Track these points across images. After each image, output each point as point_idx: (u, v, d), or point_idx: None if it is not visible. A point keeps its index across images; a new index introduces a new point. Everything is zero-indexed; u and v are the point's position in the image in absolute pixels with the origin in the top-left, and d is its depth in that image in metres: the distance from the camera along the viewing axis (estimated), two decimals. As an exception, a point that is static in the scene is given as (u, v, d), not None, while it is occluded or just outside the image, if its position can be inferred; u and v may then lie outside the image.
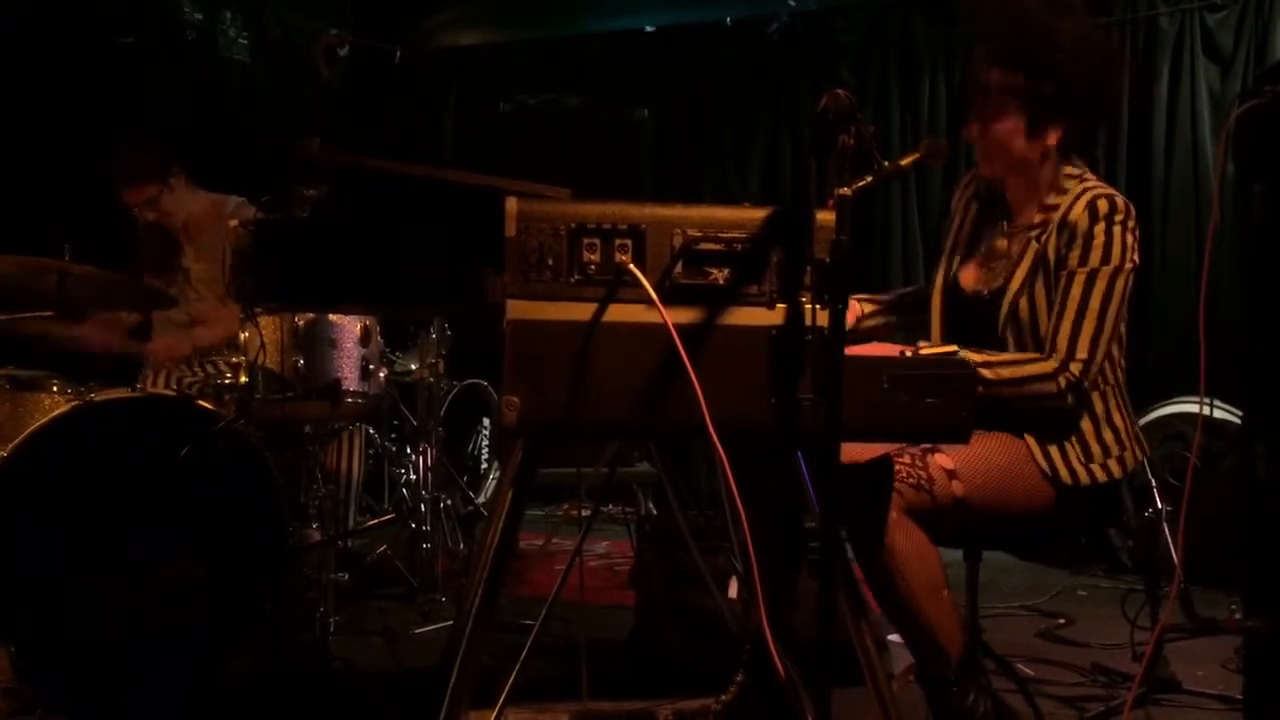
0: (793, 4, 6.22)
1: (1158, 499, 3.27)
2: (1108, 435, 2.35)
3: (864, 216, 6.01)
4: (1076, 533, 2.40)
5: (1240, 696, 2.64)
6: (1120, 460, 2.35)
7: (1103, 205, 2.31)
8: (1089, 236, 2.29)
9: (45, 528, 2.87)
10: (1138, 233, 2.35)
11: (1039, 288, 2.35)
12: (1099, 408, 2.35)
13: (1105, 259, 2.29)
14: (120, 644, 2.90)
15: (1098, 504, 2.39)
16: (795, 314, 1.73)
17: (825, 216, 1.72)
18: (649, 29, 6.71)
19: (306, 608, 3.44)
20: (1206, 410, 2.47)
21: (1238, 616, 3.08)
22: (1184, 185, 5.48)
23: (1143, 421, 4.54)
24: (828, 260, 1.70)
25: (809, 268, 1.73)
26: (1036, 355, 2.30)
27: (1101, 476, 2.33)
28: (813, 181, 1.75)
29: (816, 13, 6.28)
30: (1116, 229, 2.30)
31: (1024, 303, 2.36)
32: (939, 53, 6.08)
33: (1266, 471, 2.40)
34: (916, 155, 2.31)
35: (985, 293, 2.44)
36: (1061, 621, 3.97)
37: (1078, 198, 2.34)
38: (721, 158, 6.63)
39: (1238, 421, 3.54)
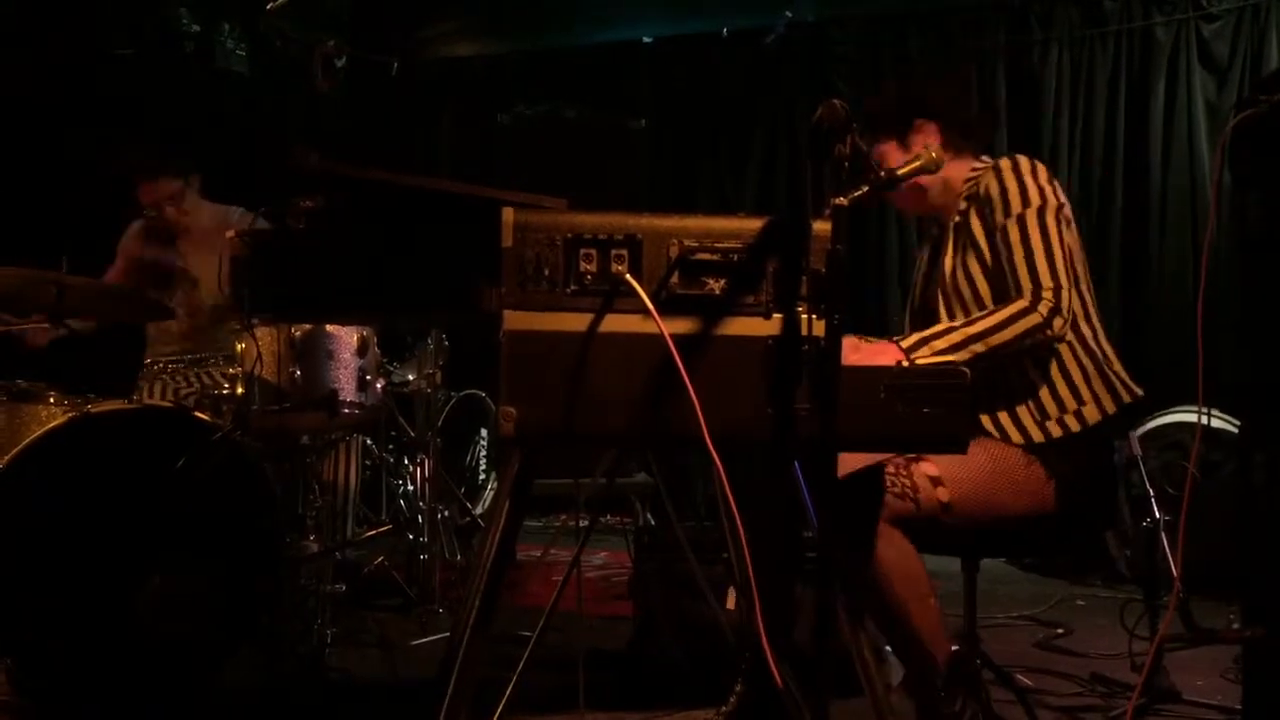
0: (789, 15, 6.24)
1: (1156, 508, 3.27)
2: (1063, 391, 2.37)
3: (860, 226, 6.01)
4: (1066, 524, 2.38)
5: (1239, 706, 2.64)
6: (1079, 415, 2.35)
7: (1004, 163, 2.41)
8: (1002, 190, 2.37)
9: (42, 540, 2.86)
10: (1054, 182, 2.40)
11: (971, 261, 2.42)
12: (1053, 366, 2.38)
13: (1025, 202, 2.35)
14: (118, 656, 2.90)
15: (1072, 458, 2.37)
16: (791, 324, 1.72)
17: (821, 226, 1.71)
18: (646, 40, 6.72)
19: (304, 619, 3.43)
20: (1204, 419, 2.46)
21: (1236, 626, 3.07)
22: (1181, 194, 5.49)
23: (1140, 431, 4.53)
24: (824, 270, 1.70)
25: (805, 278, 1.73)
26: (1006, 302, 2.32)
27: (1056, 432, 2.34)
28: (809, 192, 1.75)
29: (812, 24, 6.30)
30: (1026, 176, 2.38)
31: (961, 277, 2.42)
32: (934, 64, 6.09)
33: (1265, 480, 2.40)
34: (912, 165, 2.32)
35: (927, 292, 2.53)
36: (1060, 631, 3.96)
37: (986, 171, 2.45)
38: (718, 168, 6.64)
39: (1236, 430, 3.54)
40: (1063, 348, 2.38)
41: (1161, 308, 5.38)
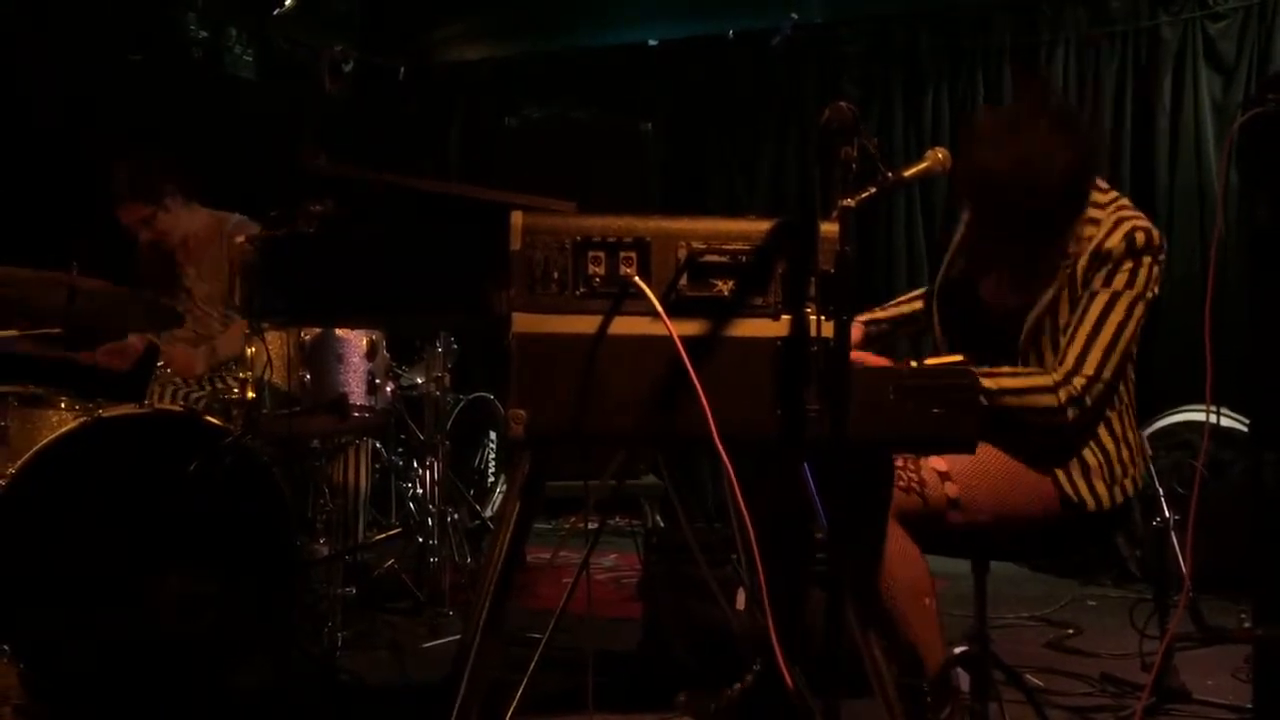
0: (795, 16, 6.24)
1: (1165, 508, 3.26)
2: (1125, 455, 2.35)
3: (868, 227, 6.01)
4: (1084, 542, 2.38)
5: (1250, 706, 2.64)
6: (1134, 480, 2.35)
7: (1140, 238, 2.29)
8: (1120, 264, 2.28)
9: (54, 544, 2.88)
10: (1163, 264, 2.33)
11: (1063, 309, 2.33)
12: (1117, 427, 2.35)
13: (1130, 284, 2.28)
14: (129, 659, 2.91)
15: (1114, 522, 2.39)
16: (800, 325, 1.73)
17: (829, 228, 1.72)
18: (653, 42, 6.72)
19: (314, 622, 3.44)
20: (1213, 419, 2.46)
21: (1247, 625, 3.07)
22: (1188, 194, 5.47)
23: (1149, 430, 4.53)
24: (832, 271, 1.71)
25: (813, 279, 1.73)
26: (1041, 369, 2.29)
27: (1120, 498, 2.33)
28: (817, 193, 1.76)
29: (820, 25, 6.29)
30: (1146, 260, 2.29)
31: (1047, 322, 2.34)
32: (943, 64, 6.08)
33: (1274, 480, 2.40)
34: (920, 166, 2.32)
35: (1008, 308, 2.42)
36: (1070, 632, 3.96)
37: (1115, 226, 2.30)
38: (726, 170, 6.64)
39: (1245, 430, 3.54)
40: (1125, 413, 2.37)
41: (1169, 306, 5.36)
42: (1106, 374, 2.25)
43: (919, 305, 2.69)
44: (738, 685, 2.50)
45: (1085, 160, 2.29)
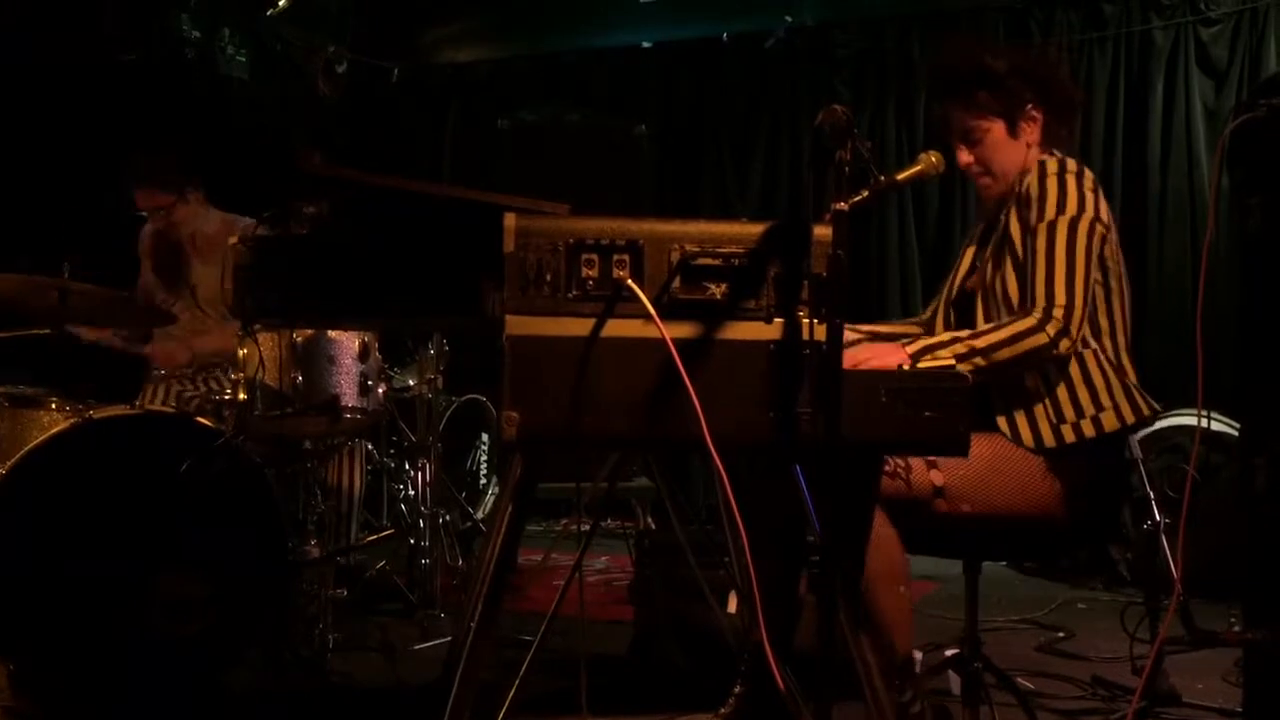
0: (789, 19, 6.25)
1: (1156, 511, 3.27)
2: (1083, 396, 2.35)
3: (861, 230, 6.02)
4: (1068, 525, 2.37)
5: (1240, 709, 2.64)
6: (1095, 420, 2.33)
7: (1050, 164, 2.39)
8: (1041, 193, 2.35)
9: (44, 545, 2.87)
10: (1098, 191, 2.38)
11: (1007, 262, 2.39)
12: (1074, 370, 2.36)
13: (1061, 209, 2.33)
14: (120, 660, 2.90)
15: (1079, 466, 2.35)
16: (793, 328, 1.73)
17: (823, 231, 1.72)
18: (646, 45, 6.73)
19: (306, 623, 3.44)
20: (1204, 423, 2.47)
21: (1237, 629, 3.08)
22: (1180, 198, 5.50)
23: (1141, 434, 4.53)
24: (825, 275, 1.71)
25: (806, 282, 1.74)
26: (1016, 315, 2.32)
27: (1070, 437, 2.32)
28: (810, 196, 1.76)
29: (813, 28, 6.30)
30: (1070, 180, 2.36)
31: (997, 278, 2.40)
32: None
33: (1265, 483, 2.41)
34: (913, 169, 2.32)
35: (970, 287, 2.50)
36: (1061, 635, 3.96)
37: (1029, 173, 2.41)
38: (720, 173, 6.64)
39: (1236, 434, 3.55)
40: (1087, 354, 2.37)
41: (1161, 310, 5.39)
42: (1077, 300, 2.29)
43: (914, 329, 2.69)
44: (730, 700, 2.51)
45: (1034, 69, 2.47)
